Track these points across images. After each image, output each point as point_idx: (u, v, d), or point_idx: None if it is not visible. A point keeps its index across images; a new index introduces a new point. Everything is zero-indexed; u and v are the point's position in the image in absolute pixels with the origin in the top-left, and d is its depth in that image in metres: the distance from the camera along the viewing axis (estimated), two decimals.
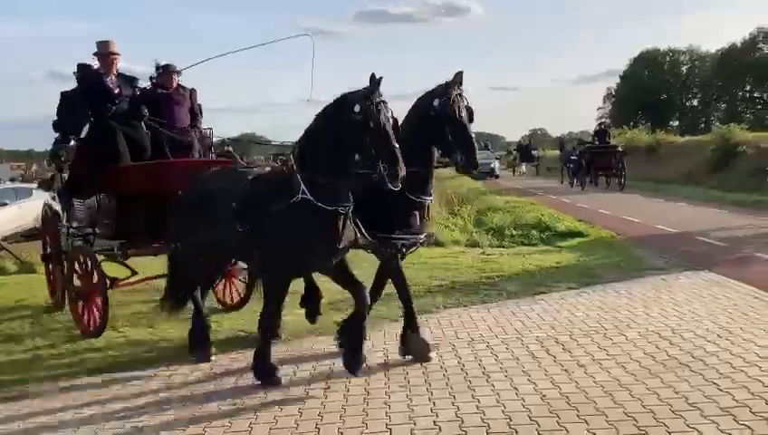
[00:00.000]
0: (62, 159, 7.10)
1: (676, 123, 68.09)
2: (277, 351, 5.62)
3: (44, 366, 5.75)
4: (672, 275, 8.35)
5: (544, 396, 4.46)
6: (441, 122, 4.96)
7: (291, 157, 4.82)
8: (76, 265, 6.70)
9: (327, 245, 4.72)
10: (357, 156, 4.53)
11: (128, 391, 5.06)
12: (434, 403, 4.46)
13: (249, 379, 5.09)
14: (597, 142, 27.49)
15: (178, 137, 7.07)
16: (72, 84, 7.39)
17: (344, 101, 4.55)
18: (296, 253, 4.77)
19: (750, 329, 5.70)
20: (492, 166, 37.50)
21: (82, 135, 6.91)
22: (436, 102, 4.99)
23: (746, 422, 3.84)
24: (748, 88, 67.50)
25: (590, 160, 26.08)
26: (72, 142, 7.05)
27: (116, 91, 6.93)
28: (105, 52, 6.98)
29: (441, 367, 5.12)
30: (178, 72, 7.27)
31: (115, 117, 6.77)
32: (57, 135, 7.43)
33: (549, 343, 5.61)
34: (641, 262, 9.38)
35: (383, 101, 4.47)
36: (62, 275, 7.34)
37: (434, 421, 4.17)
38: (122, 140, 6.65)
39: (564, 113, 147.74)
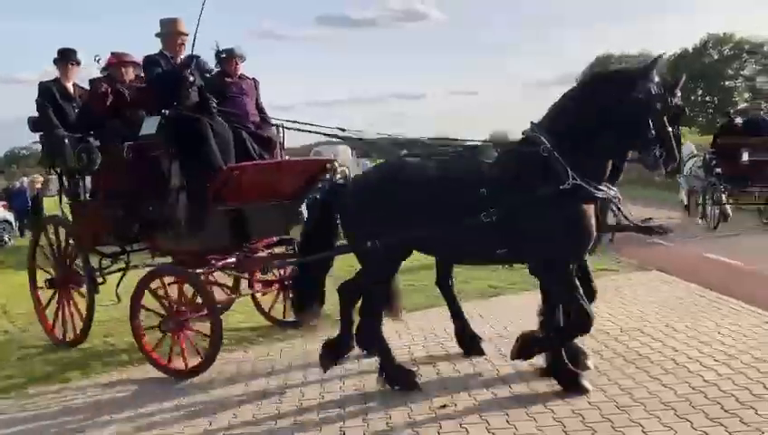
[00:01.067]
0: (85, 162, 5.98)
1: None
2: (242, 356, 5.66)
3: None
4: (622, 274, 8.57)
5: (495, 395, 4.56)
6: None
7: (540, 138, 4.32)
8: (157, 289, 5.64)
9: (593, 234, 4.39)
10: (626, 138, 4.26)
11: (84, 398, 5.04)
12: (387, 404, 4.53)
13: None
14: None
15: (265, 133, 6.30)
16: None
17: (619, 79, 4.28)
18: (567, 243, 4.35)
19: (693, 326, 5.89)
20: None
21: (147, 131, 5.69)
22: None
23: (686, 416, 3.99)
24: (700, 93, 69.28)
25: None
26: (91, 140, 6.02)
27: (191, 78, 5.84)
28: (172, 31, 6.02)
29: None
30: (243, 58, 6.48)
31: (188, 109, 5.75)
32: (39, 134, 6.56)
33: (501, 342, 5.70)
34: (593, 263, 9.57)
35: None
36: (72, 302, 6.56)
37: (386, 423, 4.24)
38: (212, 138, 5.66)
39: (524, 117, 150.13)
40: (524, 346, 4.60)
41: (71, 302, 6.66)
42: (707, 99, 69.53)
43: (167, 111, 5.57)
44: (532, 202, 4.27)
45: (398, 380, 4.79)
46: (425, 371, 5.12)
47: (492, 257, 4.77)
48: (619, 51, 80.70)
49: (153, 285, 5.60)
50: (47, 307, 6.88)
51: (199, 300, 5.52)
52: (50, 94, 6.55)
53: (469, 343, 5.50)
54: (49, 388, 5.51)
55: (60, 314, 6.69)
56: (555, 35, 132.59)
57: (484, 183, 4.40)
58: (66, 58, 6.78)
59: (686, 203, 13.29)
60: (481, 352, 5.41)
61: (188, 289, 5.64)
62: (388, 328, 6.01)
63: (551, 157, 4.25)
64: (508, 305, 7.19)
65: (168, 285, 5.65)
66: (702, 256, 9.64)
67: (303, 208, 7.48)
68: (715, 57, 66.26)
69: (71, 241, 6.68)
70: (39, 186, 22.12)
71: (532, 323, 6.23)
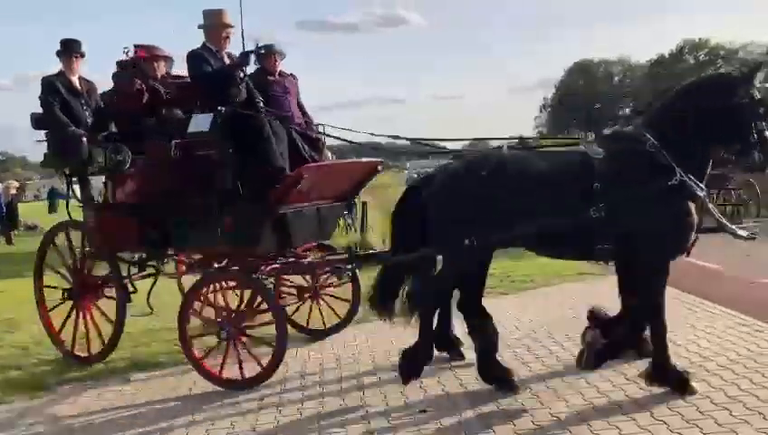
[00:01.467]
0: (114, 162, 5.53)
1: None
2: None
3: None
4: (604, 278, 8.60)
5: (477, 406, 4.55)
6: None
7: (645, 135, 4.42)
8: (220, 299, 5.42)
9: (694, 230, 4.54)
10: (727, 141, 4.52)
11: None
12: (367, 413, 4.53)
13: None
14: None
15: (313, 134, 6.09)
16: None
17: (723, 83, 4.46)
18: (671, 239, 4.51)
19: (670, 329, 5.92)
20: None
21: (197, 129, 5.31)
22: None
23: (662, 417, 4.04)
24: None
25: None
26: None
27: (241, 74, 5.63)
28: (217, 23, 5.70)
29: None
30: (282, 55, 6.27)
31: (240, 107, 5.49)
32: (45, 132, 6.13)
33: None
34: (574, 267, 9.62)
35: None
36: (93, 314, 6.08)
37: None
38: (272, 136, 5.43)
39: (504, 122, 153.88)
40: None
41: (91, 314, 6.16)
42: None
43: (222, 109, 5.27)
44: (640, 198, 4.34)
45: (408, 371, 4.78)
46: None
47: (592, 253, 4.70)
48: (598, 56, 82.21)
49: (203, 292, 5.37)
50: (65, 323, 6.20)
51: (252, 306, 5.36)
52: (54, 89, 6.07)
53: (448, 345, 5.42)
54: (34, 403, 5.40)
55: (79, 328, 6.12)
56: (539, 37, 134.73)
57: (592, 178, 4.40)
58: (70, 50, 6.27)
59: None
60: (461, 356, 5.39)
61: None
62: (375, 335, 6.04)
63: (657, 153, 4.33)
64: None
65: (216, 291, 5.45)
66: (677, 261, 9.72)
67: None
68: (692, 62, 67.23)
69: (88, 248, 6.19)
70: (14, 192, 21.84)
71: (510, 326, 6.30)
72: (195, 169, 5.35)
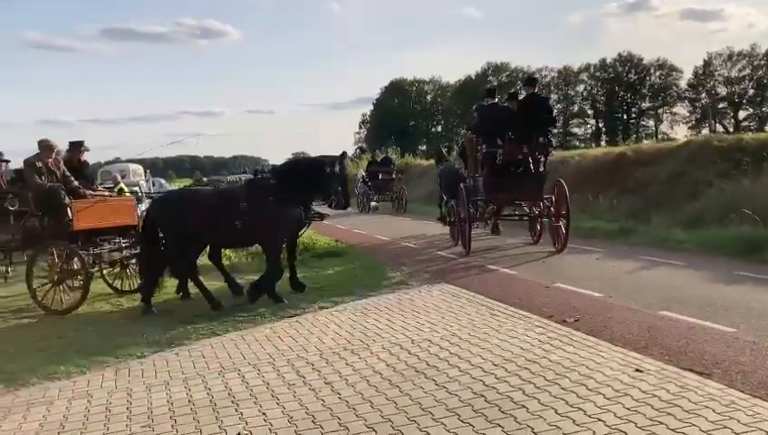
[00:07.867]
0: None
1: (425, 147, 73.88)
2: None
3: None
4: (414, 288, 9.01)
5: (291, 418, 4.54)
6: None
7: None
8: None
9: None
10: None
11: None
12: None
13: None
14: None
15: None
16: None
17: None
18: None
19: (475, 334, 6.35)
20: None
21: None
22: None
23: (468, 420, 4.27)
24: None
25: None
26: None
27: None
28: None
29: (189, 401, 4.99)
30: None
31: None
32: None
33: (300, 363, 5.72)
34: (387, 277, 9.99)
35: None
36: None
37: None
38: None
39: (321, 137, 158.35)
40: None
41: None
42: None
43: None
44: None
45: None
46: None
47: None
48: (411, 75, 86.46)
49: None
50: None
51: None
52: None
53: None
54: None
55: None
56: (348, 60, 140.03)
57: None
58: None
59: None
60: None
61: None
62: None
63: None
64: None
65: None
66: (486, 268, 10.44)
67: None
68: (495, 83, 72.91)
69: None
70: None
71: None
72: None
